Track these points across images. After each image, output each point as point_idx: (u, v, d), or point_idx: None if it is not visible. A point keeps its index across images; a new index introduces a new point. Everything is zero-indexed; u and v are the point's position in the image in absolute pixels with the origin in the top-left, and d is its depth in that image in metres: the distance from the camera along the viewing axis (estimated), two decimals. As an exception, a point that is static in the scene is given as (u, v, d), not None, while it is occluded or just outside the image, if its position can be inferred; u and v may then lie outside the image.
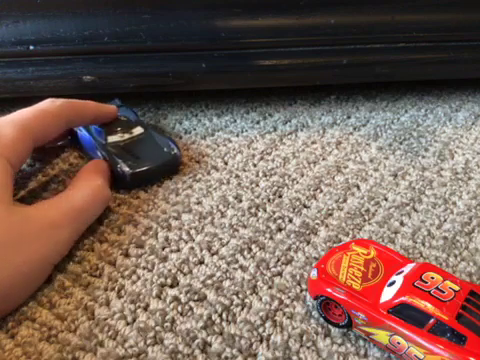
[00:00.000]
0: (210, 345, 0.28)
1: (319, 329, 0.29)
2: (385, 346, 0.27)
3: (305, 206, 0.39)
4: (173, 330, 0.29)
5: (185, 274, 0.33)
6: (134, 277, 0.32)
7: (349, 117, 0.52)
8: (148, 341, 0.28)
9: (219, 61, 0.46)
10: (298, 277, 0.32)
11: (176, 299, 0.31)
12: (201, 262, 0.34)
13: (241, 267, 0.33)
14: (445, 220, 0.38)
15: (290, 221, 0.37)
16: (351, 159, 0.45)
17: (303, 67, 0.48)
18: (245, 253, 0.34)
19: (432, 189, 0.41)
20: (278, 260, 0.34)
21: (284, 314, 0.30)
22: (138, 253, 0.34)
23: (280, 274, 0.33)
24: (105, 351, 0.28)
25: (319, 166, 0.44)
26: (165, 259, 0.34)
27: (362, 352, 0.28)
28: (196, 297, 0.31)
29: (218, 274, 0.33)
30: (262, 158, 0.45)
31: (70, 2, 0.43)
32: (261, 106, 0.53)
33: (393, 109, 0.53)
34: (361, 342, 0.29)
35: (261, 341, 0.29)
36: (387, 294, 0.27)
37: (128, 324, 0.29)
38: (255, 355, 0.28)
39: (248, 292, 0.31)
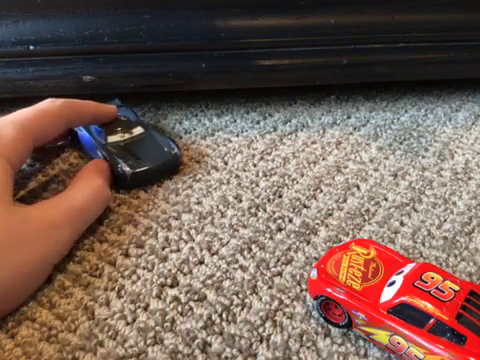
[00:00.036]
0: (210, 345, 0.28)
1: (319, 329, 0.29)
2: (385, 346, 0.27)
3: (305, 206, 0.39)
4: (173, 330, 0.29)
5: (185, 274, 0.33)
6: (134, 277, 0.32)
7: (349, 117, 0.52)
8: (148, 341, 0.28)
9: (219, 61, 0.46)
10: (298, 277, 0.32)
11: (176, 299, 0.31)
12: (201, 262, 0.34)
13: (241, 267, 0.33)
14: (445, 220, 0.38)
15: (290, 221, 0.37)
16: (351, 159, 0.45)
17: (303, 67, 0.48)
18: (245, 253, 0.34)
19: (432, 189, 0.41)
20: (278, 260, 0.34)
21: (284, 314, 0.30)
22: (138, 253, 0.34)
23: (280, 274, 0.33)
24: (105, 351, 0.28)
25: (319, 166, 0.44)
26: (165, 259, 0.34)
27: (362, 352, 0.28)
28: (196, 297, 0.31)
29: (218, 274, 0.33)
30: (262, 158, 0.45)
31: (70, 2, 0.43)
32: (261, 106, 0.53)
33: (393, 109, 0.53)
34: (361, 342, 0.29)
35: (261, 341, 0.29)
36: (387, 294, 0.27)
37: (128, 324, 0.29)
38: (255, 355, 0.28)
39: (248, 292, 0.31)
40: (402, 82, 0.58)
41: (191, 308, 0.30)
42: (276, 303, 0.31)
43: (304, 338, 0.29)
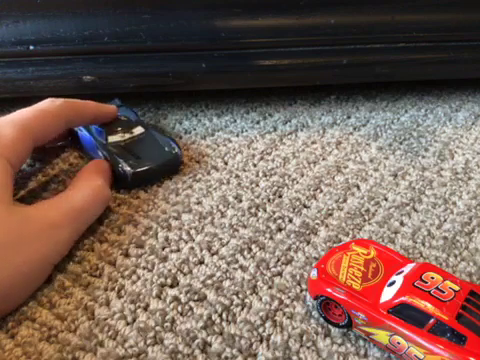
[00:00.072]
0: (210, 345, 0.28)
1: (319, 329, 0.29)
2: (385, 346, 0.27)
3: (305, 206, 0.39)
4: (173, 330, 0.29)
5: (185, 274, 0.33)
6: (134, 277, 0.32)
7: (349, 117, 0.52)
8: (148, 341, 0.28)
9: (219, 61, 0.46)
10: (298, 277, 0.32)
11: (176, 299, 0.31)
12: (201, 262, 0.34)
13: (241, 267, 0.33)
14: (445, 220, 0.38)
15: (290, 221, 0.37)
16: (351, 159, 0.45)
17: (303, 67, 0.48)
18: (245, 253, 0.34)
19: (432, 189, 0.41)
20: (278, 260, 0.34)
21: (284, 314, 0.30)
22: (138, 253, 0.34)
23: (280, 274, 0.33)
24: (105, 351, 0.28)
25: (319, 166, 0.44)
26: (165, 259, 0.34)
27: (362, 352, 0.28)
28: (196, 297, 0.31)
29: (218, 274, 0.33)
30: (262, 158, 0.45)
31: (70, 2, 0.43)
32: (261, 106, 0.53)
33: (393, 109, 0.53)
34: (361, 342, 0.29)
35: (261, 341, 0.29)
36: (387, 294, 0.27)
37: (128, 324, 0.29)
38: (255, 355, 0.28)
39: (248, 292, 0.31)
40: (402, 82, 0.58)
41: (191, 308, 0.30)
42: (276, 303, 0.31)
43: (304, 338, 0.29)
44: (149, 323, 0.29)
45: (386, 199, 0.40)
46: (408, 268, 0.29)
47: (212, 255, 0.34)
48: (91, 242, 0.35)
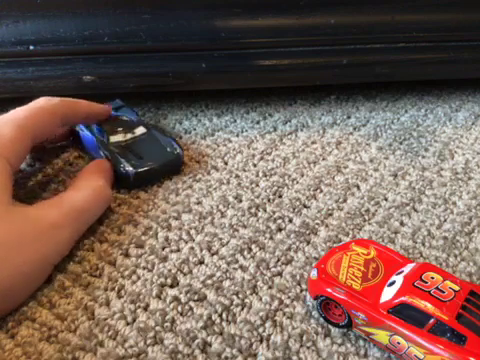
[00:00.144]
0: (210, 345, 0.28)
1: (319, 329, 0.29)
2: (385, 346, 0.27)
3: (305, 206, 0.39)
4: (173, 330, 0.29)
5: (185, 274, 0.33)
6: (134, 277, 0.32)
7: (349, 117, 0.52)
8: (148, 341, 0.28)
9: (219, 61, 0.46)
10: (298, 277, 0.32)
11: (176, 299, 0.31)
12: (201, 262, 0.34)
13: (241, 267, 0.33)
14: (445, 220, 0.38)
15: (290, 221, 0.37)
16: (351, 159, 0.45)
17: (303, 67, 0.48)
18: (245, 253, 0.34)
19: (432, 189, 0.41)
20: (278, 260, 0.34)
21: (284, 314, 0.30)
22: (138, 253, 0.34)
23: (280, 274, 0.33)
24: (105, 351, 0.28)
25: (319, 166, 0.44)
26: (165, 259, 0.34)
27: (362, 352, 0.28)
28: (196, 297, 0.31)
29: (218, 274, 0.33)
30: (262, 158, 0.45)
31: (70, 2, 0.43)
32: (261, 106, 0.53)
33: (393, 109, 0.53)
34: (361, 342, 0.29)
35: (261, 341, 0.29)
36: (387, 294, 0.27)
37: (128, 324, 0.29)
38: (255, 355, 0.28)
39: (248, 292, 0.31)
40: (402, 82, 0.58)
41: (191, 308, 0.30)
42: (276, 303, 0.31)
43: (304, 338, 0.29)
44: (149, 323, 0.29)
45: (386, 199, 0.40)
46: (408, 268, 0.29)
47: (212, 255, 0.34)
48: (91, 242, 0.35)
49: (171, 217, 0.37)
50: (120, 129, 0.43)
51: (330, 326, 0.29)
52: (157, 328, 0.29)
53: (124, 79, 0.46)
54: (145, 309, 0.30)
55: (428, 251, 0.35)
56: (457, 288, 0.27)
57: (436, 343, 0.25)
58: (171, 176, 0.42)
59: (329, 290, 0.28)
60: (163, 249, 0.35)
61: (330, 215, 0.38)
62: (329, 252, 0.31)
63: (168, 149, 0.41)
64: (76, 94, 0.42)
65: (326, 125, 0.50)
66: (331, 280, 0.29)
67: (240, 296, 0.31)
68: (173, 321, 0.29)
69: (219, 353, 0.28)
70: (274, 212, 0.38)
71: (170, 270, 0.33)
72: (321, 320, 0.30)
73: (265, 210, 0.38)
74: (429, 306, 0.26)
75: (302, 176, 0.42)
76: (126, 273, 0.32)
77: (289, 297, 0.31)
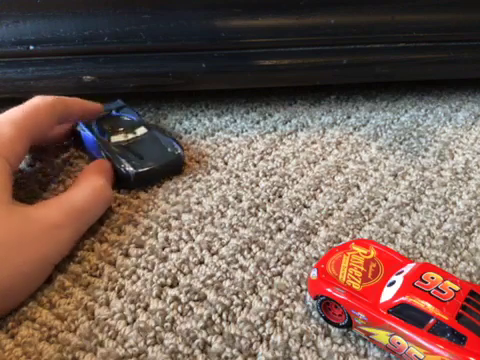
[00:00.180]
0: (210, 345, 0.28)
1: (319, 329, 0.29)
2: (385, 346, 0.27)
3: (305, 206, 0.39)
4: (173, 330, 0.29)
5: (185, 274, 0.33)
6: (134, 277, 0.32)
7: (349, 117, 0.52)
8: (148, 341, 0.28)
9: (219, 61, 0.46)
10: (298, 277, 0.32)
11: (176, 299, 0.31)
12: (201, 262, 0.34)
13: (241, 267, 0.33)
14: (445, 220, 0.38)
15: (290, 221, 0.37)
16: (351, 159, 0.45)
17: (303, 67, 0.48)
18: (245, 253, 0.34)
19: (432, 189, 0.41)
20: (278, 260, 0.34)
21: (284, 314, 0.30)
22: (138, 253, 0.34)
23: (280, 274, 0.33)
24: (105, 351, 0.28)
25: (319, 166, 0.44)
26: (165, 259, 0.34)
27: (362, 352, 0.28)
28: (196, 297, 0.31)
29: (218, 274, 0.33)
30: (262, 158, 0.45)
31: (70, 2, 0.43)
32: (261, 106, 0.53)
33: (393, 109, 0.53)
34: (361, 342, 0.29)
35: (261, 341, 0.29)
36: (387, 294, 0.27)
37: (128, 324, 0.29)
38: (255, 355, 0.28)
39: (248, 292, 0.31)
40: (402, 82, 0.58)
41: (191, 308, 0.30)
42: (276, 303, 0.31)
43: (304, 338, 0.29)
44: (149, 323, 0.29)
45: (386, 199, 0.40)
46: (408, 268, 0.29)
47: (212, 255, 0.34)
48: (91, 242, 0.35)
49: (171, 217, 0.37)
50: (121, 129, 0.43)
51: (330, 326, 0.29)
52: (157, 328, 0.29)
53: (124, 79, 0.46)
54: (145, 309, 0.30)
55: (428, 251, 0.35)
56: (457, 288, 0.27)
57: (436, 343, 0.25)
58: (171, 176, 0.42)
59: (329, 290, 0.28)
60: (163, 249, 0.35)
61: (330, 215, 0.38)
62: (329, 252, 0.31)
63: (169, 149, 0.41)
64: (76, 94, 0.42)
65: (326, 125, 0.50)
66: (331, 280, 0.29)
67: (240, 296, 0.31)
68: (173, 321, 0.29)
69: (219, 353, 0.28)
70: (274, 212, 0.38)
71: (170, 270, 0.33)
72: (321, 320, 0.30)
73: (265, 210, 0.38)
74: (429, 306, 0.26)
75: (302, 176, 0.42)
76: (126, 273, 0.32)
77: (289, 297, 0.31)
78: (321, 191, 0.41)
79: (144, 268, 0.33)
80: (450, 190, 0.41)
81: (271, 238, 0.36)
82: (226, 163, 0.44)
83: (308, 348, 0.28)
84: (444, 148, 0.47)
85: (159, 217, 0.37)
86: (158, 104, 0.53)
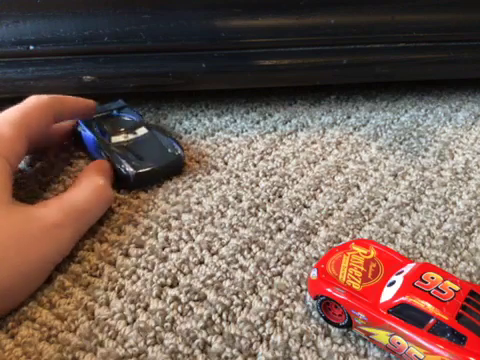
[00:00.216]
0: (210, 345, 0.28)
1: (319, 329, 0.29)
2: (385, 346, 0.27)
3: (305, 206, 0.39)
4: (173, 330, 0.29)
5: (185, 274, 0.33)
6: (134, 277, 0.32)
7: (349, 117, 0.52)
8: (148, 341, 0.28)
9: (219, 61, 0.46)
10: (298, 277, 0.32)
11: (176, 299, 0.31)
12: (201, 262, 0.34)
13: (241, 267, 0.33)
14: (445, 220, 0.38)
15: (290, 221, 0.37)
16: (351, 159, 0.45)
17: (303, 67, 0.48)
18: (245, 253, 0.34)
19: (432, 189, 0.41)
20: (278, 260, 0.34)
21: (284, 314, 0.30)
22: (138, 253, 0.34)
23: (280, 274, 0.33)
24: (105, 351, 0.28)
25: (319, 166, 0.44)
26: (165, 259, 0.34)
27: (362, 352, 0.28)
28: (196, 297, 0.31)
29: (218, 274, 0.33)
30: (262, 158, 0.45)
31: (70, 2, 0.43)
32: (261, 106, 0.53)
33: (393, 109, 0.53)
34: (361, 342, 0.29)
35: (261, 341, 0.29)
36: (387, 294, 0.27)
37: (128, 324, 0.29)
38: (255, 355, 0.28)
39: (248, 292, 0.31)
40: (402, 82, 0.58)
41: (191, 308, 0.30)
42: (276, 303, 0.31)
43: (304, 338, 0.29)
44: (149, 323, 0.29)
45: (386, 199, 0.40)
46: (408, 268, 0.29)
47: (212, 255, 0.34)
48: (91, 242, 0.35)
49: (171, 217, 0.37)
50: (122, 129, 0.43)
51: (330, 326, 0.29)
52: (157, 328, 0.29)
53: (124, 79, 0.46)
54: (145, 309, 0.30)
55: (428, 251, 0.35)
56: (457, 288, 0.27)
57: (436, 343, 0.25)
58: (171, 176, 0.42)
59: (329, 290, 0.28)
60: (163, 249, 0.35)
61: (330, 215, 0.38)
62: (329, 252, 0.31)
63: (169, 150, 0.41)
64: (76, 94, 0.42)
65: (326, 125, 0.50)
66: (331, 280, 0.29)
67: (240, 296, 0.31)
68: (173, 321, 0.29)
69: (219, 353, 0.28)
70: (274, 212, 0.38)
71: (170, 270, 0.33)
72: (321, 320, 0.30)
73: (265, 210, 0.38)
74: (429, 306, 0.26)
75: (302, 176, 0.42)
76: (126, 273, 0.32)
77: (289, 297, 0.31)
78: (321, 191, 0.41)
79: (144, 268, 0.33)
80: (450, 190, 0.41)
81: (271, 238, 0.36)
82: (226, 163, 0.44)
83: (308, 348, 0.28)
84: (444, 148, 0.47)
85: (159, 217, 0.37)
86: (158, 104, 0.53)
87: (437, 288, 0.27)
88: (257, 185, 0.41)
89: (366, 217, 0.38)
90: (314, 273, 0.30)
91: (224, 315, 0.30)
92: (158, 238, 0.35)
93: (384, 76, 0.51)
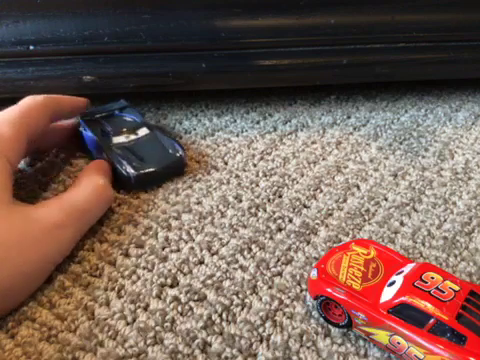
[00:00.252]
0: (210, 345, 0.28)
1: (319, 329, 0.29)
2: (385, 346, 0.27)
3: (305, 206, 0.39)
4: (173, 330, 0.29)
5: (185, 274, 0.33)
6: (134, 277, 0.32)
7: (349, 117, 0.52)
8: (148, 341, 0.28)
9: (219, 61, 0.46)
10: (298, 277, 0.32)
11: (176, 299, 0.31)
12: (201, 262, 0.34)
13: (241, 267, 0.33)
14: (445, 220, 0.38)
15: (290, 221, 0.37)
16: (351, 159, 0.45)
17: (303, 67, 0.48)
18: (245, 253, 0.34)
19: (432, 189, 0.41)
20: (278, 260, 0.34)
21: (284, 314, 0.30)
22: (138, 253, 0.34)
23: (280, 274, 0.33)
24: (105, 351, 0.28)
25: (319, 166, 0.44)
26: (165, 259, 0.34)
27: (362, 352, 0.28)
28: (196, 297, 0.31)
29: (218, 274, 0.33)
30: (262, 158, 0.45)
31: (70, 2, 0.43)
32: (261, 106, 0.53)
33: (393, 109, 0.53)
34: (361, 342, 0.29)
35: (261, 341, 0.29)
36: (387, 294, 0.27)
37: (128, 324, 0.29)
38: (255, 355, 0.28)
39: (248, 292, 0.31)
40: (402, 82, 0.58)
41: (191, 308, 0.30)
42: (276, 303, 0.31)
43: (304, 338, 0.29)
44: (149, 323, 0.29)
45: (386, 199, 0.40)
46: (408, 268, 0.29)
47: (212, 255, 0.34)
48: (91, 242, 0.35)
49: (171, 217, 0.37)
50: (123, 130, 0.43)
51: (330, 326, 0.29)
52: (157, 328, 0.29)
53: (124, 79, 0.46)
54: (145, 309, 0.30)
55: (428, 251, 0.35)
56: (457, 288, 0.27)
57: (436, 343, 0.25)
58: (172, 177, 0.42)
59: (329, 290, 0.28)
60: (163, 249, 0.35)
61: (330, 215, 0.38)
62: (329, 252, 0.31)
63: (170, 151, 0.41)
64: (76, 94, 0.42)
65: (326, 125, 0.50)
66: (331, 280, 0.29)
67: (240, 296, 0.31)
68: (173, 321, 0.29)
69: (219, 353, 0.28)
70: (274, 212, 0.38)
71: (170, 270, 0.33)
72: (321, 320, 0.30)
73: (265, 210, 0.38)
74: (429, 306, 0.26)
75: (302, 176, 0.42)
76: (126, 273, 0.32)
77: (289, 297, 0.31)
78: (321, 191, 0.41)
79: (144, 268, 0.33)
80: (450, 190, 0.41)
81: (271, 238, 0.36)
82: (226, 163, 0.44)
83: (308, 348, 0.28)
84: (444, 148, 0.47)
85: (159, 217, 0.37)
86: (158, 104, 0.53)
87: (437, 288, 0.27)
88: (257, 185, 0.41)
89: (366, 217, 0.38)
90: (314, 273, 0.30)
91: (224, 315, 0.30)
92: (158, 238, 0.35)
93: (384, 76, 0.51)
